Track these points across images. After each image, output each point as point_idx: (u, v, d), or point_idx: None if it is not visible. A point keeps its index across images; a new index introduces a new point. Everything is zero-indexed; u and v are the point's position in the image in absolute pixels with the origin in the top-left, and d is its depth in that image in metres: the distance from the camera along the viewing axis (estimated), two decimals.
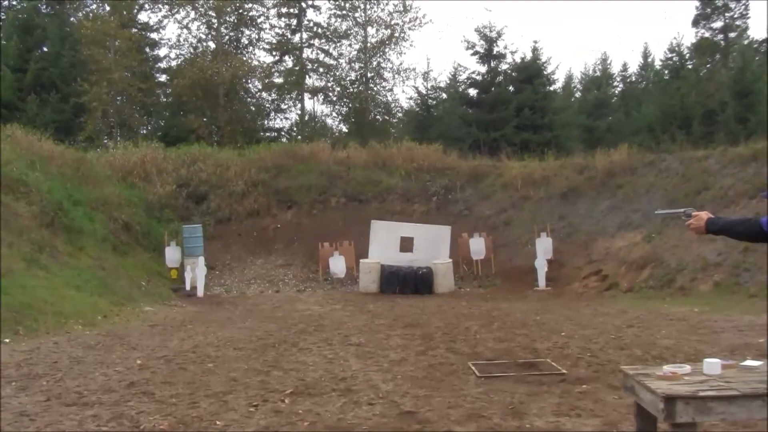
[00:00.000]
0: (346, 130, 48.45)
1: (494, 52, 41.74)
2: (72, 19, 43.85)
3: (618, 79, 56.53)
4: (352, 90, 47.20)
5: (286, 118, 48.66)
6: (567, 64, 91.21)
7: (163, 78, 46.90)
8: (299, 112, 48.35)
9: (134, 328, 15.33)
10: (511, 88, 41.60)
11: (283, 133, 47.93)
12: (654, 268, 20.96)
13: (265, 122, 48.33)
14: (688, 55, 44.95)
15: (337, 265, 23.88)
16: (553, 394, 8.60)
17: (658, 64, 51.40)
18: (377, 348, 12.34)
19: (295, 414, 7.87)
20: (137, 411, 8.10)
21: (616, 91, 55.35)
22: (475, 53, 41.78)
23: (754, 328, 13.25)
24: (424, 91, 44.85)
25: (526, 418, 7.57)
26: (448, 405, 8.16)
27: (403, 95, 71.71)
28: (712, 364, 4.96)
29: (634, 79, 56.26)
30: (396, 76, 47.00)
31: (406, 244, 23.66)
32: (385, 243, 23.46)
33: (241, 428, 7.32)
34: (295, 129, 48.38)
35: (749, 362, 5.19)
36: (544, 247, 23.19)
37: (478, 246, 24.19)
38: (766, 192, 5.44)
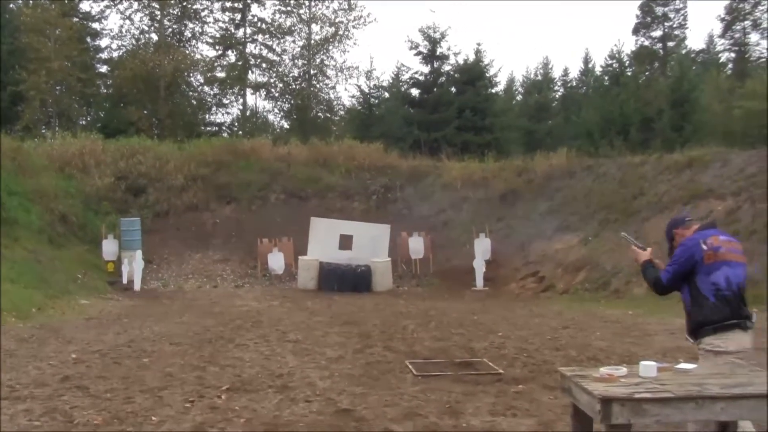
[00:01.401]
0: (288, 127, 48.31)
1: (437, 53, 41.93)
2: (11, 5, 42.99)
3: (559, 83, 57.19)
4: (294, 87, 47.13)
5: (228, 113, 48.40)
6: (509, 67, 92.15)
7: (104, 69, 46.31)
8: (241, 107, 48.16)
9: (69, 322, 15.14)
10: (453, 89, 41.83)
11: (224, 128, 47.76)
12: (590, 271, 21.28)
13: (206, 116, 48.07)
14: (627, 62, 45.65)
15: (276, 261, 23.79)
16: (489, 394, 8.70)
17: (598, 70, 52.09)
18: (315, 345, 12.35)
19: (231, 410, 7.85)
20: (71, 405, 8.01)
21: (557, 96, 55.95)
22: (419, 53, 41.97)
23: (683, 331, 13.50)
24: (366, 90, 44.89)
25: (462, 417, 7.65)
26: (384, 403, 8.21)
27: (345, 93, 72.01)
28: (648, 367, 5.04)
29: (574, 84, 56.91)
30: (339, 74, 47.19)
31: (346, 242, 23.64)
32: (325, 240, 23.41)
33: (177, 424, 7.28)
34: (236, 124, 48.13)
35: (684, 365, 5.32)
36: (482, 247, 23.40)
37: (417, 245, 24.30)
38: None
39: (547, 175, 26.83)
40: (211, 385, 9.05)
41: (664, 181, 23.03)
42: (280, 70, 47.09)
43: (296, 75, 47.62)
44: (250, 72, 47.02)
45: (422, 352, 11.64)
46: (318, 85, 47.59)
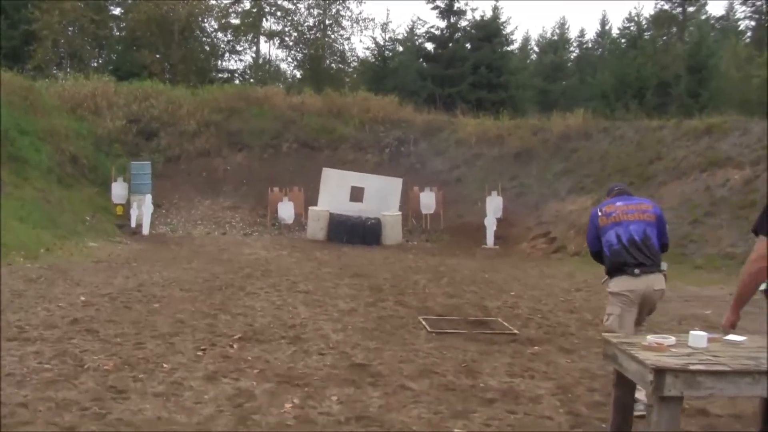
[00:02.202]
0: (300, 77, 47.86)
1: (454, 8, 41.29)
2: None
3: (575, 44, 56.62)
4: (309, 36, 46.59)
5: (241, 60, 47.96)
6: (525, 25, 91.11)
7: (117, 11, 45.67)
8: (254, 55, 47.67)
9: (77, 264, 15.01)
10: (468, 45, 41.28)
11: (236, 75, 47.24)
12: None
13: (219, 63, 47.58)
14: (646, 25, 45.05)
15: (286, 210, 23.64)
16: (505, 354, 8.55)
17: (615, 32, 51.53)
18: (326, 297, 12.20)
19: (243, 360, 7.70)
20: (81, 349, 7.87)
21: (572, 57, 55.39)
22: (435, 7, 41.26)
23: (699, 299, 13.36)
24: (381, 43, 44.33)
25: (479, 377, 7.49)
26: (399, 359, 8.06)
27: (360, 45, 71.06)
28: (699, 337, 4.87)
29: (590, 45, 56.31)
30: (354, 25, 46.60)
31: (357, 194, 23.43)
32: (336, 192, 23.20)
33: (189, 372, 7.13)
34: (248, 72, 47.68)
35: (734, 337, 5.09)
36: (494, 205, 23.18)
37: (428, 200, 24.10)
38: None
39: (563, 135, 26.49)
40: (223, 334, 8.91)
41: (682, 146, 22.71)
42: (296, 18, 46.53)
43: (311, 24, 47.07)
44: (264, 19, 46.47)
45: (435, 309, 11.49)
46: (333, 36, 47.08)
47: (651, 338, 4.87)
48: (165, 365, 7.35)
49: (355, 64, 48.19)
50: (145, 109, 27.70)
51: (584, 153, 25.23)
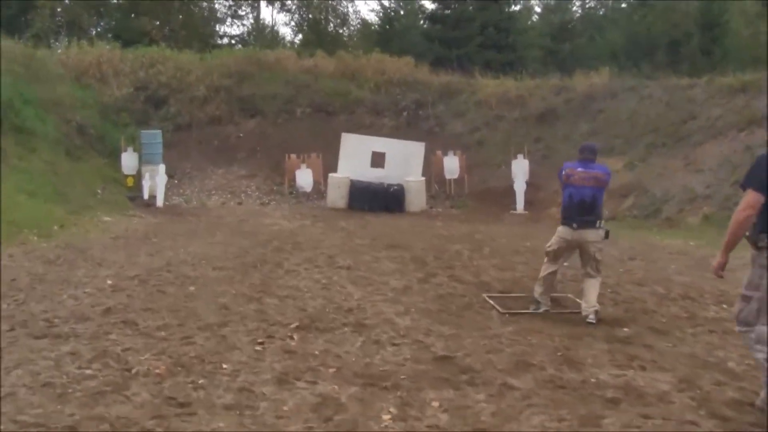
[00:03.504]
0: (299, 41, 46.54)
1: None
2: None
3: (577, 3, 55.34)
4: None
5: (243, 25, 46.73)
6: None
7: None
8: (250, 22, 46.52)
9: (95, 241, 13.91)
10: (472, 7, 40.07)
11: (236, 41, 46.04)
12: (637, 197, 20.07)
13: (221, 28, 46.34)
14: None
15: (304, 178, 22.60)
16: (597, 339, 7.57)
17: None
18: (371, 273, 11.17)
19: (311, 356, 6.67)
20: (123, 347, 6.80)
21: (575, 17, 54.14)
22: None
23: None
24: (387, 4, 43.03)
25: (584, 369, 6.51)
26: (485, 348, 7.06)
27: (365, 7, 69.47)
28: None
29: (592, 5, 55.06)
30: None
31: (378, 160, 22.33)
32: (356, 157, 22.11)
33: (255, 375, 6.09)
34: (248, 37, 46.40)
35: None
36: (521, 169, 22.16)
37: (452, 165, 23.04)
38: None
39: (587, 94, 25.37)
40: (277, 322, 7.87)
41: (716, 105, 21.64)
42: None
43: None
44: None
45: (493, 284, 10.48)
46: None
47: None
48: (224, 366, 6.30)
49: (358, 26, 46.96)
50: (152, 76, 26.49)
51: (611, 113, 24.14)
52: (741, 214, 5.52)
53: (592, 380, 6.20)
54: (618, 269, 12.10)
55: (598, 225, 8.45)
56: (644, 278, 11.29)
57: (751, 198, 5.48)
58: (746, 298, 5.66)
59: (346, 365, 6.43)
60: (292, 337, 7.27)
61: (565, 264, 9.28)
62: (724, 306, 9.24)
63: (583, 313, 8.44)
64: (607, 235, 8.57)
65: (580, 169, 8.46)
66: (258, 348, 6.88)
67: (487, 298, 9.36)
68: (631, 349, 7.17)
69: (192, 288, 9.62)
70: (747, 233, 5.62)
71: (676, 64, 32.08)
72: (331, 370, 6.26)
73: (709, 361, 6.90)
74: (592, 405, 5.61)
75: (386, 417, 5.25)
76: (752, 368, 6.32)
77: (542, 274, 8.83)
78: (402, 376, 6.14)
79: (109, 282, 9.84)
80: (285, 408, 5.38)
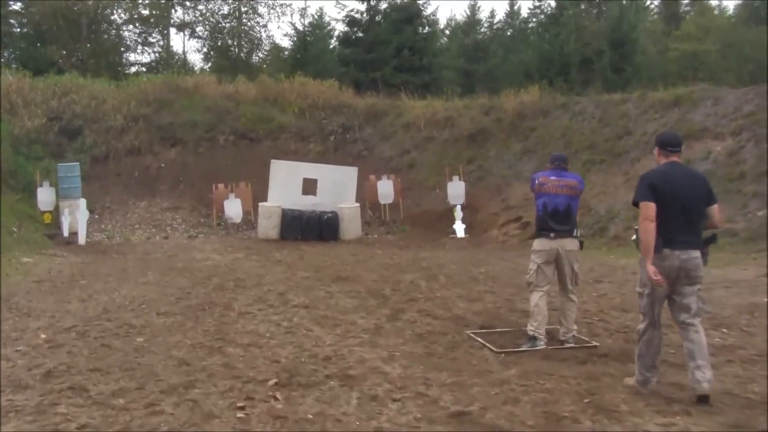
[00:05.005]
0: (208, 68, 45.42)
1: None
2: None
3: (485, 25, 55.50)
4: (224, 25, 44.41)
5: (154, 52, 45.43)
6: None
7: (17, 6, 42.38)
8: (160, 49, 45.28)
9: (17, 285, 12.69)
10: (389, 29, 39.66)
11: (147, 69, 44.62)
12: (582, 216, 19.59)
13: (130, 56, 45.00)
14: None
15: (233, 208, 21.68)
16: (616, 379, 6.80)
17: (525, 12, 50.87)
18: (332, 311, 10.27)
19: (306, 421, 5.70)
20: (77, 424, 5.69)
21: (485, 38, 54.35)
22: None
23: (739, 285, 11.91)
24: (300, 28, 42.37)
25: (624, 419, 5.73)
26: (501, 400, 6.21)
27: (278, 32, 68.44)
28: None
29: (500, 26, 55.29)
30: (271, 11, 44.56)
31: (310, 187, 21.57)
32: (287, 185, 21.29)
33: None
34: (157, 66, 45.08)
35: None
36: (457, 191, 21.64)
37: (386, 189, 22.43)
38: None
39: (517, 113, 25.06)
40: (250, 378, 6.86)
41: (650, 120, 21.50)
42: (209, 6, 44.24)
43: (225, 13, 44.85)
44: (174, 10, 44.20)
45: (468, 318, 9.75)
46: (249, 24, 44.91)
47: None
48: None
49: (266, 50, 46.20)
50: (65, 105, 25.37)
51: (544, 131, 23.88)
52: (643, 224, 6.20)
53: None
54: (590, 293, 11.57)
55: (575, 234, 8.46)
56: (624, 303, 10.67)
57: (644, 209, 6.21)
58: (640, 295, 6.53)
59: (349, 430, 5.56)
60: (275, 397, 6.27)
61: (572, 297, 8.65)
62: (724, 330, 8.71)
63: (562, 338, 8.37)
64: (581, 245, 8.59)
65: (553, 178, 8.37)
66: (240, 415, 5.86)
67: (473, 336, 8.59)
68: (660, 389, 6.43)
69: (140, 339, 8.56)
70: (633, 238, 6.57)
71: (590, 82, 32.49)
72: None
73: (737, 395, 6.31)
74: None
75: None
76: None
77: (532, 306, 8.35)
78: None
79: (43, 336, 8.73)
80: None
